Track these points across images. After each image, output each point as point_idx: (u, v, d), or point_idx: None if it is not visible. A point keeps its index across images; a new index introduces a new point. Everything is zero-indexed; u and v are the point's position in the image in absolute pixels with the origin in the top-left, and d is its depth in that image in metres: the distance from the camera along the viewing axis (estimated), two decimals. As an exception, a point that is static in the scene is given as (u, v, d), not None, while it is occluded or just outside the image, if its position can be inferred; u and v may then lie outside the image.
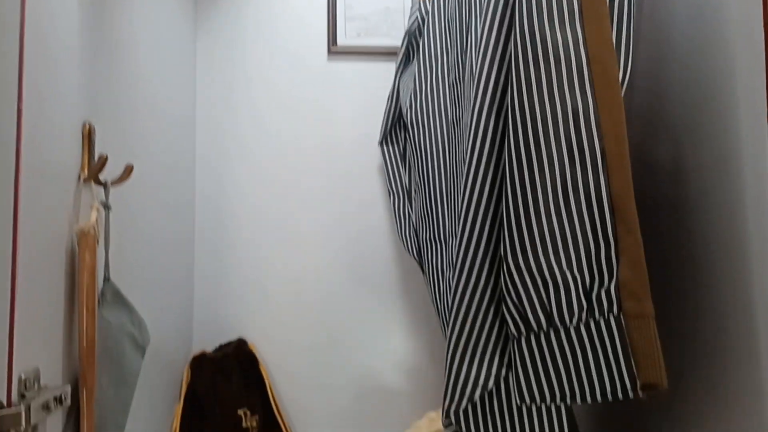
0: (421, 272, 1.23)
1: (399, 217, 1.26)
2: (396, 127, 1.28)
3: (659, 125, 0.87)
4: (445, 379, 0.78)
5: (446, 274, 1.12)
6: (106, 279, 0.81)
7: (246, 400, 1.17)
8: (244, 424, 1.14)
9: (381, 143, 1.30)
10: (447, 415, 0.78)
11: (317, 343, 1.31)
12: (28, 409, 0.59)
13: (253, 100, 1.35)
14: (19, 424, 0.58)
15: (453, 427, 0.78)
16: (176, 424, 1.13)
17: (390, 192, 1.28)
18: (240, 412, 1.15)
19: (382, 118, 1.29)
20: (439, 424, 1.14)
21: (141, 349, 0.88)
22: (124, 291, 0.85)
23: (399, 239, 1.26)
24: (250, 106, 1.35)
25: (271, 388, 1.24)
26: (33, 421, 0.60)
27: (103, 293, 0.80)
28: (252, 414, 1.16)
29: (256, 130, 1.35)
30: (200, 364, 1.19)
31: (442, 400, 0.78)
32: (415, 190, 1.21)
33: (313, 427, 1.28)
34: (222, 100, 1.35)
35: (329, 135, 1.36)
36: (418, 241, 1.20)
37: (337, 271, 1.33)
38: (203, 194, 1.33)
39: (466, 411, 0.78)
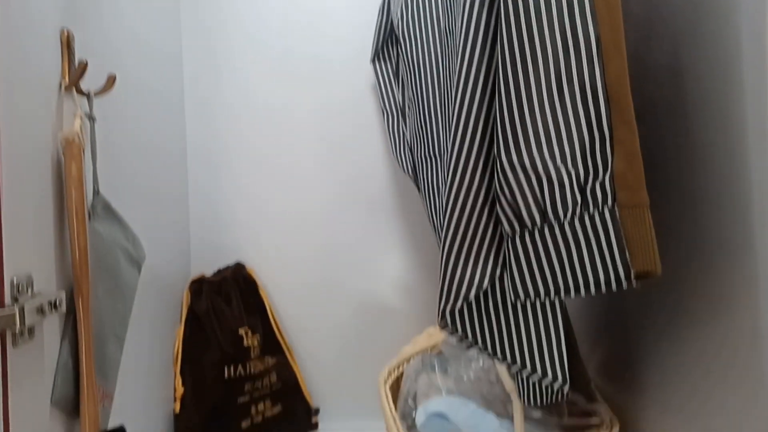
0: (417, 191, 1.23)
1: (393, 135, 1.24)
2: (388, 43, 1.25)
3: (657, 21, 0.84)
4: (440, 281, 0.78)
5: (441, 189, 1.11)
6: (96, 192, 0.80)
7: (246, 321, 1.19)
8: (245, 343, 1.15)
9: (373, 61, 1.26)
10: (442, 316, 0.78)
11: (315, 265, 1.31)
12: (21, 311, 0.59)
13: (240, 7, 1.31)
14: (14, 323, 0.59)
15: (449, 329, 0.79)
16: (178, 344, 1.15)
17: (383, 111, 1.26)
18: (241, 331, 1.16)
19: (373, 35, 1.25)
20: (438, 338, 1.16)
21: (136, 264, 0.88)
22: (117, 210, 0.85)
23: (394, 158, 1.24)
24: (239, 16, 1.31)
25: (271, 309, 1.25)
26: (28, 322, 0.60)
27: (93, 206, 0.79)
28: (253, 333, 1.18)
29: (247, 39, 1.31)
30: (199, 286, 1.20)
31: (437, 302, 0.79)
32: (408, 107, 1.19)
33: (313, 347, 1.31)
34: (210, 6, 1.31)
35: (321, 53, 1.32)
36: (413, 158, 1.19)
37: (333, 192, 1.32)
38: (193, 114, 1.30)
39: (461, 311, 0.78)
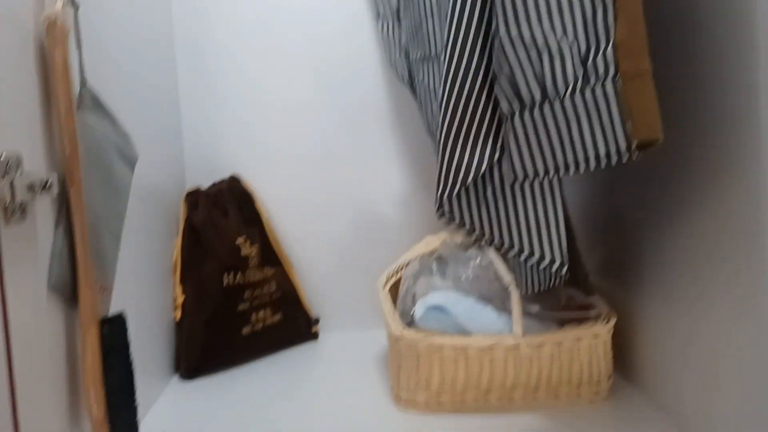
0: (413, 100, 1.20)
1: (388, 41, 1.20)
2: (382, -57, 1.20)
3: None
4: (438, 168, 0.77)
5: (438, 92, 1.08)
6: (83, 83, 0.77)
7: (244, 231, 1.18)
8: (243, 252, 1.15)
9: (366, -36, 1.22)
10: (440, 203, 0.78)
11: (312, 178, 1.30)
12: (11, 186, 0.58)
13: None
14: (5, 197, 0.58)
15: (446, 217, 0.79)
16: (176, 254, 1.15)
17: (378, 17, 1.22)
18: (239, 240, 1.16)
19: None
20: (436, 244, 1.16)
21: (129, 162, 0.86)
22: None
23: (390, 66, 1.21)
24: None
25: (268, 222, 1.25)
26: (18, 198, 0.59)
27: (81, 97, 0.77)
28: (251, 244, 1.18)
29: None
30: (195, 198, 1.18)
31: (435, 190, 0.78)
32: (404, 7, 1.15)
33: (312, 259, 1.31)
34: None
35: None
36: (409, 63, 1.16)
37: (328, 103, 1.29)
38: (182, 26, 1.26)
39: (459, 196, 0.78)
